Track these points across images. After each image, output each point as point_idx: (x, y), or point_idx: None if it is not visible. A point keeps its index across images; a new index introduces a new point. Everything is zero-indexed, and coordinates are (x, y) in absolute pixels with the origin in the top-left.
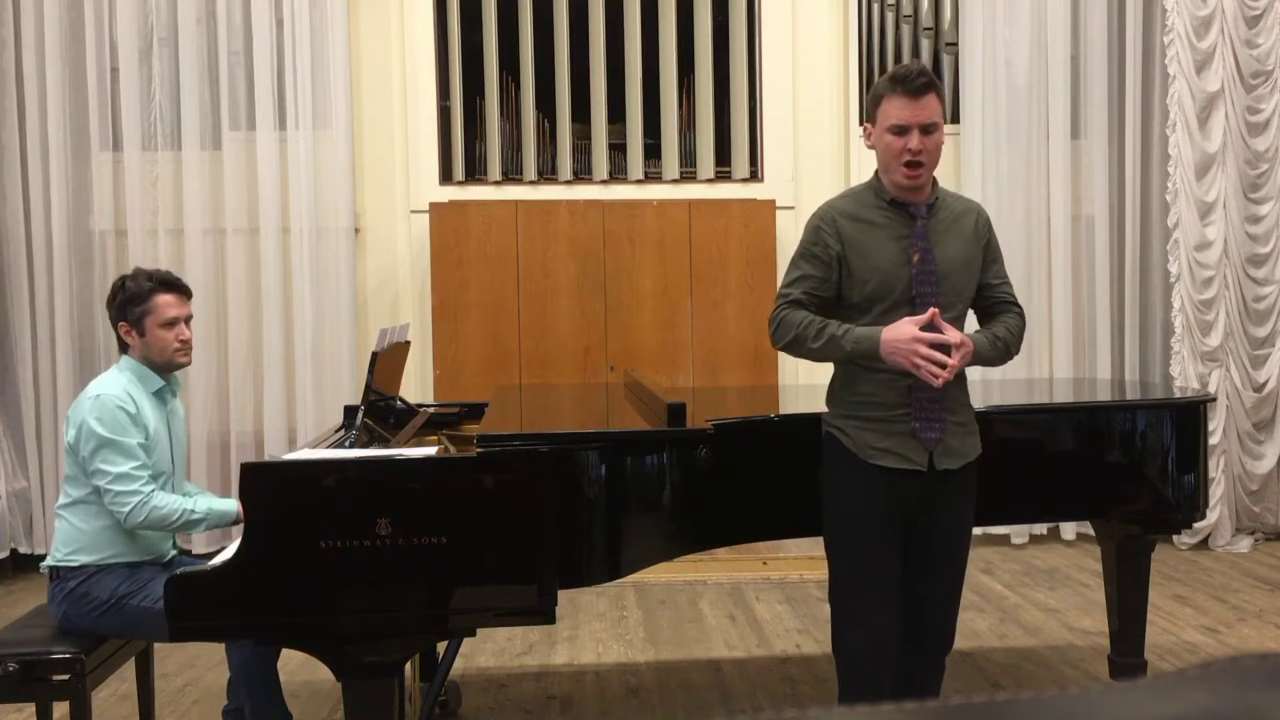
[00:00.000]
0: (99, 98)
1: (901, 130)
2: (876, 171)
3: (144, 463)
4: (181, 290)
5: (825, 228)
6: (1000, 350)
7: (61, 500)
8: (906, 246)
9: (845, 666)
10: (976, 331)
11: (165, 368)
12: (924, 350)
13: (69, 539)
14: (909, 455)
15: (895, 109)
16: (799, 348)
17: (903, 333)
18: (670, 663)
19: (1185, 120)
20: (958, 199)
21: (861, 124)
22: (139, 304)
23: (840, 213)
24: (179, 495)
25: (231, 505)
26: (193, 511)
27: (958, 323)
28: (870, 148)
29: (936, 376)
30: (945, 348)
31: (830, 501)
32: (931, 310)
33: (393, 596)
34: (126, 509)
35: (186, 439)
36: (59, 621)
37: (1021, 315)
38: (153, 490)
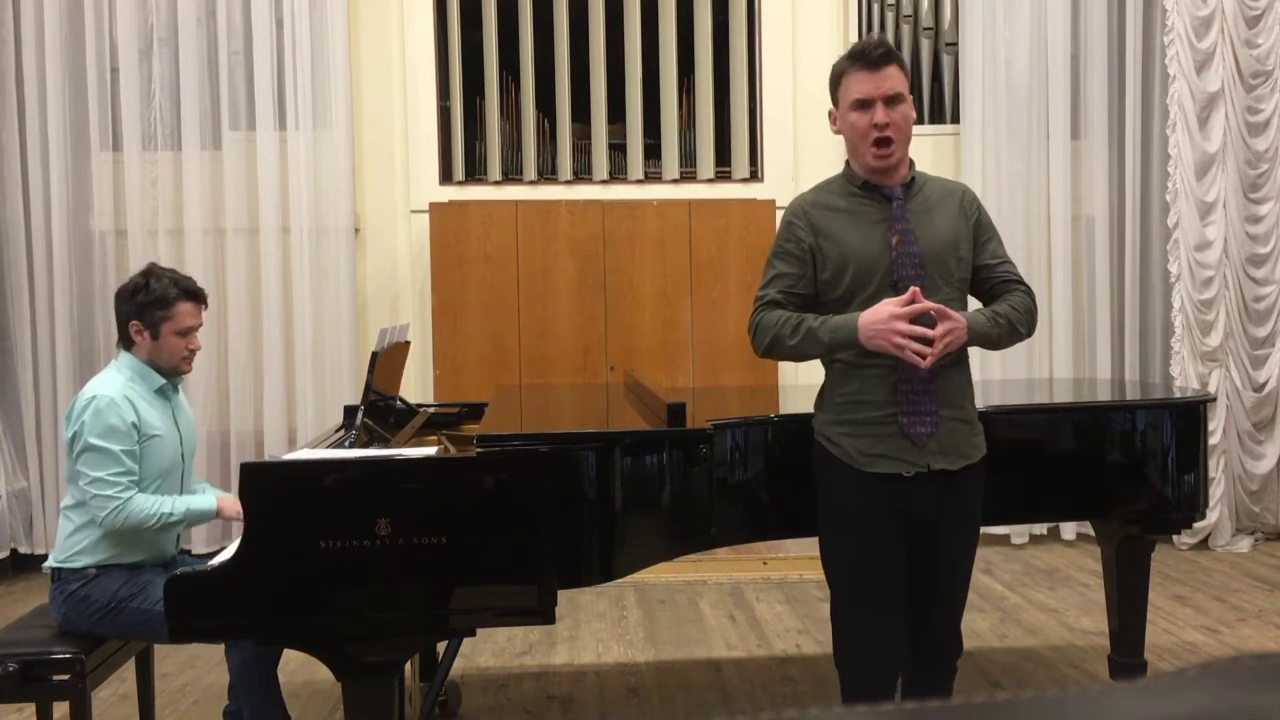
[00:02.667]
0: (99, 98)
1: (865, 105)
2: (847, 160)
3: (125, 469)
4: (201, 300)
5: (796, 221)
6: (1003, 328)
7: (65, 500)
8: (884, 230)
9: (847, 684)
10: (974, 310)
11: (169, 373)
12: (903, 327)
13: (71, 540)
14: (905, 458)
15: (856, 84)
16: (778, 348)
17: (880, 313)
18: (670, 663)
19: (1185, 120)
20: (940, 182)
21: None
22: (162, 308)
23: (811, 204)
24: (168, 496)
25: (210, 503)
26: (170, 514)
27: (949, 307)
28: (837, 133)
29: (923, 356)
30: (929, 323)
31: (825, 516)
32: (912, 289)
33: (393, 596)
34: (103, 513)
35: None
36: (59, 623)
37: (1029, 293)
38: (130, 496)
